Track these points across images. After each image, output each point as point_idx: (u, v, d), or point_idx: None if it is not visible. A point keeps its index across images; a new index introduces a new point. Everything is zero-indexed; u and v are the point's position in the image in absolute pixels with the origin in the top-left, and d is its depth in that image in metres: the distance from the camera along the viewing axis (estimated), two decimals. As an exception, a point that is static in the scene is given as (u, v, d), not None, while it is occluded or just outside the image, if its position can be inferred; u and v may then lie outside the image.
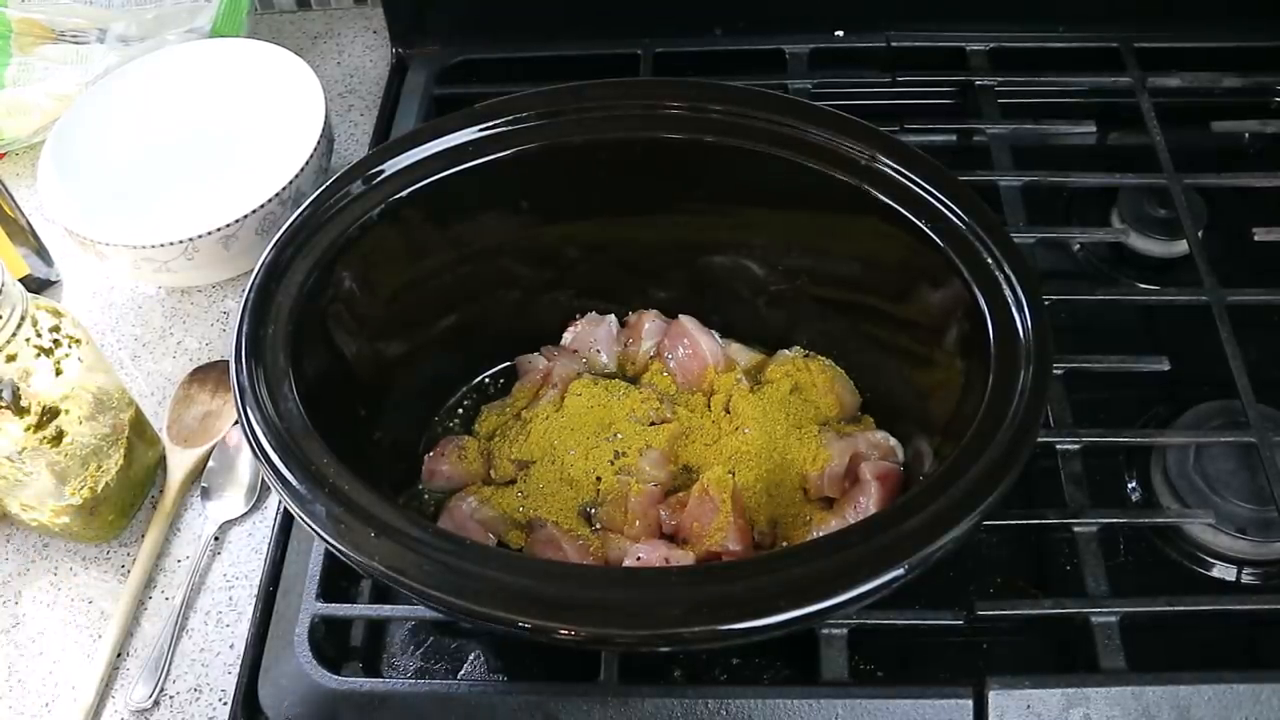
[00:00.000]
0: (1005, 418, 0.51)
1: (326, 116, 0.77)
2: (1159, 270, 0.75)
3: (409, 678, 0.60)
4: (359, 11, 0.99)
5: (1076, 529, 0.59)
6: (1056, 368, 0.63)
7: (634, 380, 0.67)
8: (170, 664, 0.62)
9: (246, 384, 0.52)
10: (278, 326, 0.55)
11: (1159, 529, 0.63)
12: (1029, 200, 0.73)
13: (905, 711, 0.53)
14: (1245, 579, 0.62)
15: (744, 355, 0.68)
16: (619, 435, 0.63)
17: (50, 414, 0.59)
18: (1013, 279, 0.55)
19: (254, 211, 0.72)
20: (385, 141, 0.66)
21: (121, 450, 0.65)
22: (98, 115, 0.81)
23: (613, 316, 0.69)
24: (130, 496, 0.67)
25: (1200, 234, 0.71)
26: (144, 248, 0.71)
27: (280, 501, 0.64)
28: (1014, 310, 0.54)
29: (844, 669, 0.55)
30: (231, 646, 0.62)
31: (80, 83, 0.85)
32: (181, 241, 0.71)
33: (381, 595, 0.60)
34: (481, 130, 0.62)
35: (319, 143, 0.76)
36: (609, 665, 0.55)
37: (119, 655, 0.62)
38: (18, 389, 0.58)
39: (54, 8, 0.89)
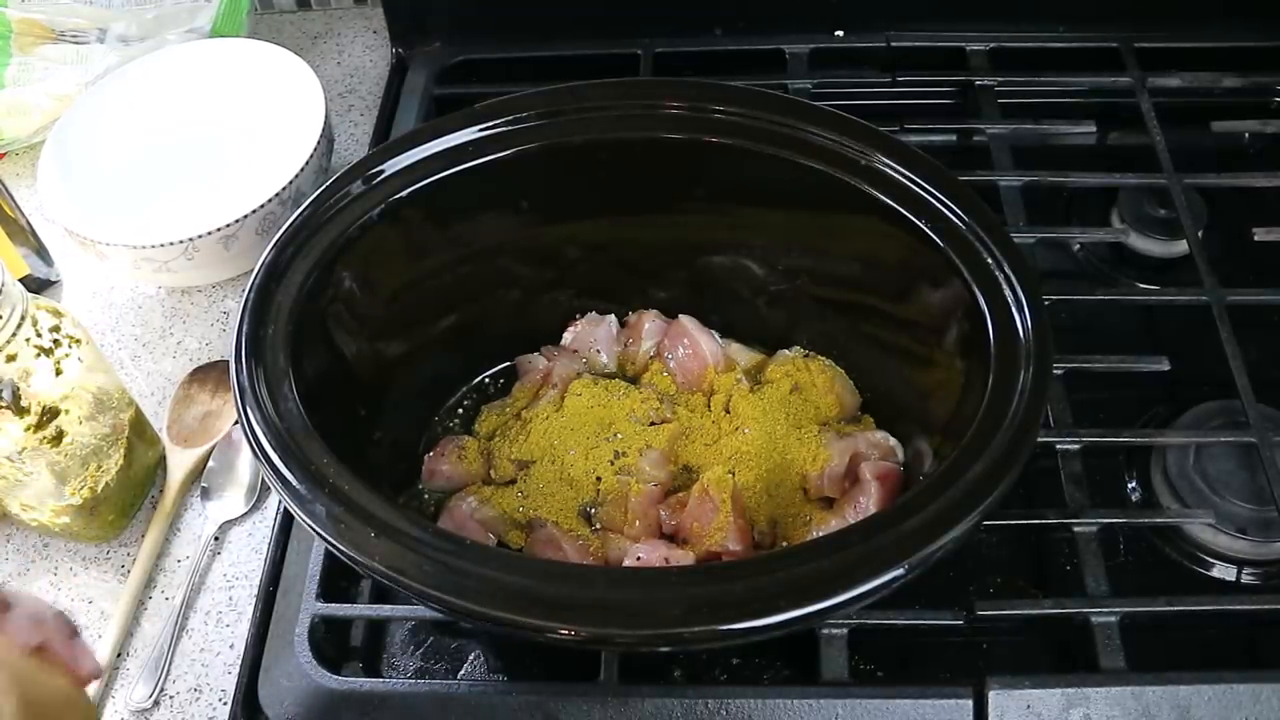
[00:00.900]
0: (1005, 418, 0.51)
1: (326, 116, 0.77)
2: (1159, 270, 0.75)
3: (409, 678, 0.60)
4: (359, 11, 0.99)
5: (1076, 529, 0.59)
6: (1056, 368, 0.63)
7: (634, 380, 0.67)
8: (170, 664, 0.62)
9: (246, 384, 0.52)
10: (278, 326, 0.55)
11: (1159, 529, 0.63)
12: (1029, 200, 0.73)
13: (905, 711, 0.53)
14: (1245, 579, 0.62)
15: (744, 355, 0.68)
16: (619, 435, 0.63)
17: (50, 414, 0.59)
18: (1013, 279, 0.55)
19: (254, 211, 0.72)
20: (385, 141, 0.66)
21: (121, 450, 0.65)
22: (98, 115, 0.81)
23: (613, 316, 0.69)
24: (130, 496, 0.67)
25: (1200, 234, 0.71)
26: (144, 248, 0.71)
27: (280, 501, 0.64)
28: (1014, 310, 0.54)
29: (844, 669, 0.55)
30: (231, 646, 0.62)
31: (80, 83, 0.85)
32: (181, 241, 0.71)
33: (381, 595, 0.60)
34: (481, 130, 0.62)
35: (319, 143, 0.76)
36: (609, 665, 0.55)
37: (119, 655, 0.62)
38: (18, 389, 0.58)
39: (54, 8, 0.89)
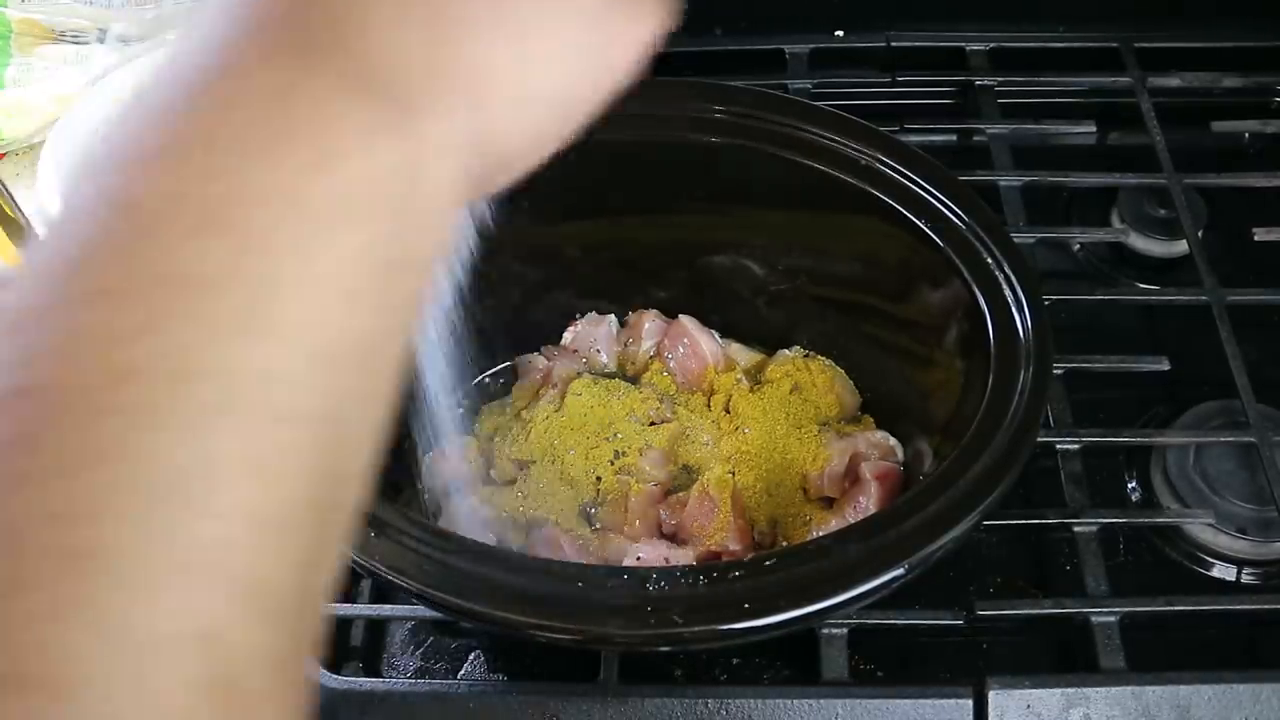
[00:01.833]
0: (1005, 418, 0.51)
1: (326, 116, 0.77)
2: (1159, 270, 0.75)
3: (409, 678, 0.60)
4: (359, 11, 0.99)
5: (1076, 529, 0.59)
6: (1056, 368, 0.62)
7: (634, 380, 0.67)
8: (170, 664, 0.62)
9: (246, 384, 0.52)
10: (278, 326, 0.55)
11: (1159, 529, 0.63)
12: (1029, 200, 0.73)
13: (905, 711, 0.53)
14: (1245, 579, 0.62)
15: (744, 355, 0.68)
16: (619, 435, 0.63)
17: (50, 414, 0.59)
18: (1013, 279, 0.55)
19: (254, 211, 0.72)
20: (385, 141, 0.66)
21: (121, 450, 0.65)
22: (98, 115, 0.81)
23: (613, 316, 0.69)
24: (130, 496, 0.67)
25: (1200, 234, 0.71)
26: (144, 248, 0.71)
27: (280, 501, 0.63)
28: (1014, 310, 0.54)
29: (844, 669, 0.55)
30: (231, 646, 0.62)
31: (80, 83, 0.85)
32: (181, 241, 0.71)
33: (381, 595, 0.60)
34: (481, 130, 0.62)
35: (319, 143, 0.76)
36: (609, 665, 0.55)
37: (119, 655, 0.62)
38: (18, 389, 0.57)
39: (54, 8, 0.89)
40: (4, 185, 0.75)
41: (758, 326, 0.69)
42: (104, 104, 0.81)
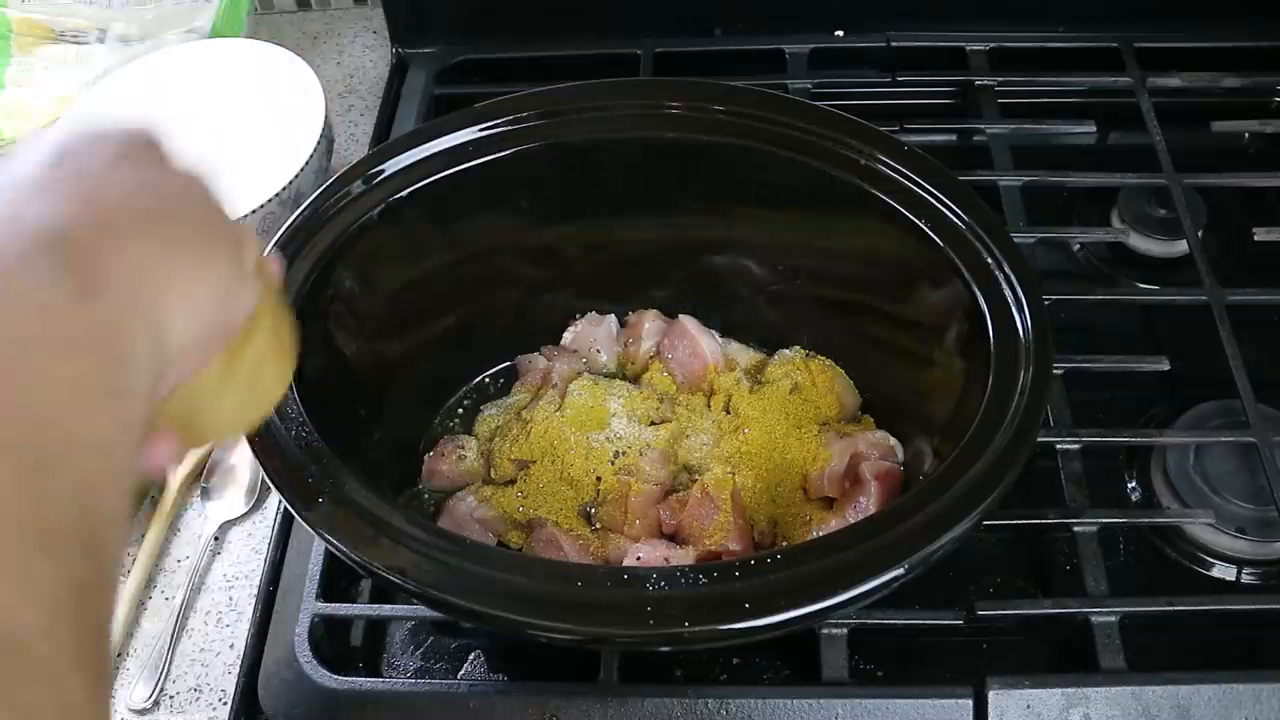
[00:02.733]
0: (1005, 418, 0.51)
1: (326, 116, 0.77)
2: (1159, 270, 0.75)
3: (409, 678, 0.60)
4: (359, 11, 0.99)
5: (1076, 529, 0.59)
6: (1056, 368, 0.62)
7: (634, 380, 0.67)
8: (170, 664, 0.62)
9: (246, 384, 0.52)
10: (278, 326, 0.55)
11: (1159, 529, 0.63)
12: (1029, 200, 0.73)
13: (905, 711, 0.53)
14: (1245, 579, 0.62)
15: (744, 355, 0.68)
16: (619, 435, 0.63)
17: (50, 414, 0.59)
18: (1013, 279, 0.55)
19: (254, 211, 0.72)
20: (385, 141, 0.66)
21: (121, 450, 0.65)
22: (98, 115, 0.81)
23: (613, 316, 0.69)
24: (130, 496, 0.67)
25: (1200, 234, 0.71)
26: (144, 248, 0.71)
27: (280, 501, 0.64)
28: (1014, 310, 0.54)
29: (844, 669, 0.55)
30: (231, 646, 0.62)
31: (80, 83, 0.85)
32: (181, 241, 0.71)
33: (381, 595, 0.60)
34: (481, 130, 0.62)
35: (319, 143, 0.76)
36: (609, 665, 0.55)
37: (119, 655, 0.62)
38: (18, 389, 0.57)
39: (54, 8, 0.89)
40: (4, 185, 0.75)
41: (758, 326, 0.69)
42: (104, 104, 0.81)
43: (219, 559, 0.66)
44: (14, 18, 0.88)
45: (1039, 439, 0.51)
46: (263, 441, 0.51)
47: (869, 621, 0.56)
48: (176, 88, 0.84)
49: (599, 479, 0.62)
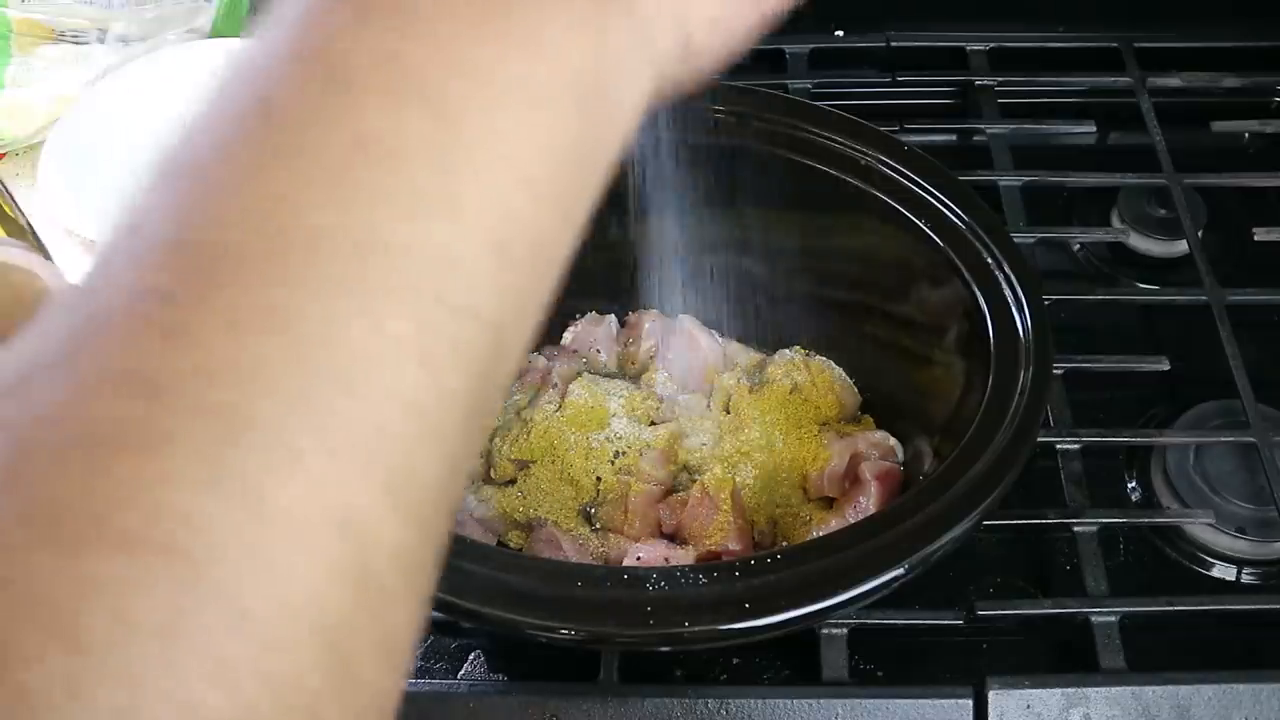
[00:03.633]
0: (1005, 418, 0.51)
1: (326, 116, 0.77)
2: (1159, 270, 0.75)
3: (409, 678, 0.59)
4: (359, 11, 0.99)
5: (1076, 529, 0.59)
6: (1056, 368, 0.62)
7: (634, 380, 0.67)
8: (170, 664, 0.61)
9: (246, 384, 0.52)
10: (278, 326, 0.55)
11: (1159, 529, 0.63)
12: (1029, 200, 0.73)
13: (905, 711, 0.53)
14: (1245, 579, 0.62)
15: (744, 355, 0.68)
16: (619, 435, 0.63)
17: (50, 414, 0.59)
18: (1013, 279, 0.55)
19: (254, 211, 0.72)
20: (385, 141, 0.66)
21: (121, 450, 0.65)
22: (98, 115, 0.81)
23: (613, 316, 0.69)
24: (130, 496, 0.67)
25: (1200, 234, 0.71)
26: (144, 248, 0.71)
27: (280, 501, 0.63)
28: (1014, 310, 0.54)
29: (844, 669, 0.55)
30: (231, 646, 0.62)
31: (80, 83, 0.85)
32: (181, 241, 0.71)
33: (381, 595, 0.60)
34: (481, 130, 0.62)
35: (319, 143, 0.76)
36: (609, 665, 0.55)
37: (119, 655, 0.62)
38: (18, 389, 0.57)
39: (54, 8, 0.89)
40: (4, 185, 0.75)
41: (758, 326, 0.69)
42: (104, 104, 0.81)
43: (219, 559, 0.66)
44: (14, 18, 0.88)
45: (1039, 439, 0.51)
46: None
47: (869, 621, 0.56)
48: (176, 88, 0.84)
49: (599, 479, 0.62)
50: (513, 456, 0.63)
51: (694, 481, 0.61)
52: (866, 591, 0.46)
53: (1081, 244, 0.77)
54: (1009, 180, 0.74)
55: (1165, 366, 0.64)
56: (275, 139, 0.23)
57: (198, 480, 0.19)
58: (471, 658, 0.60)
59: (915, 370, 0.62)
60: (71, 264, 0.81)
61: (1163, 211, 0.74)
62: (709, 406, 0.65)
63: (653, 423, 0.64)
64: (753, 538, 0.60)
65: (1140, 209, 0.75)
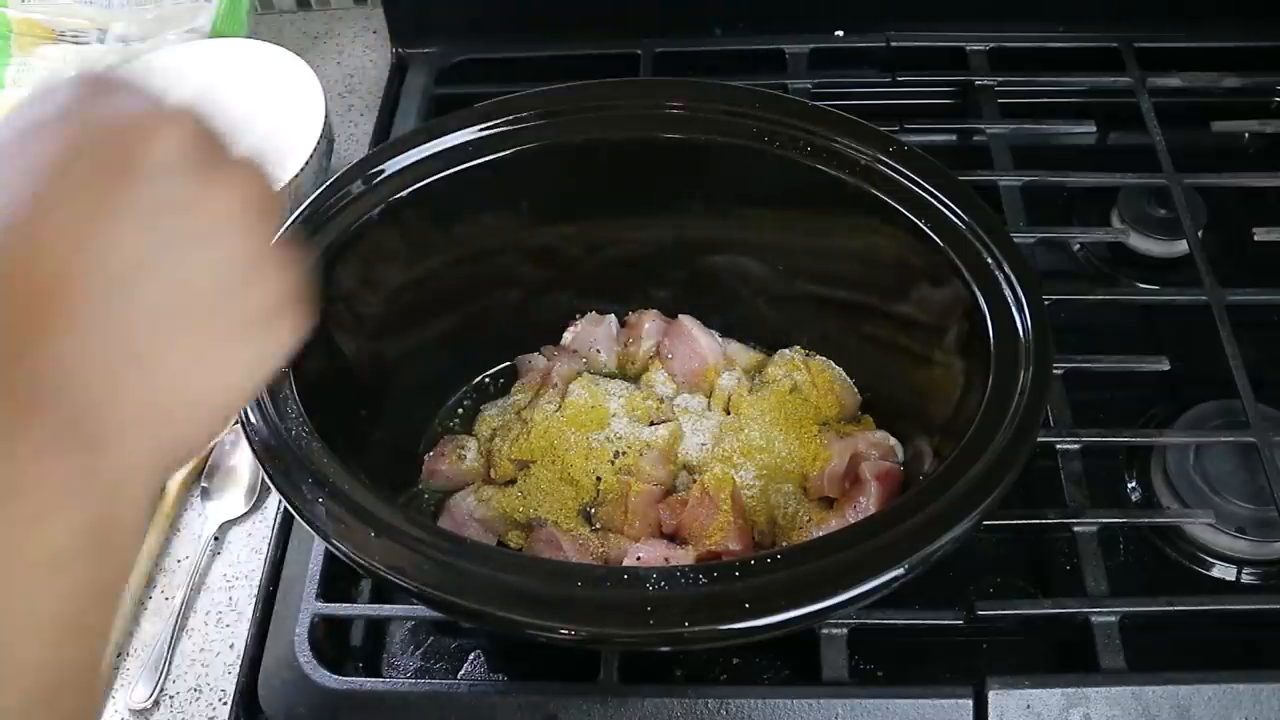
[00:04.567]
0: (1005, 418, 0.51)
1: (326, 116, 0.77)
2: (1159, 270, 0.75)
3: (409, 678, 0.60)
4: (359, 11, 0.99)
5: (1076, 529, 0.59)
6: (1056, 368, 0.63)
7: (634, 380, 0.67)
8: (170, 664, 0.62)
9: (246, 384, 0.52)
10: (278, 326, 0.55)
11: (1159, 529, 0.63)
12: (1029, 200, 0.73)
13: (905, 711, 0.53)
14: (1245, 579, 0.62)
15: (744, 355, 0.68)
16: (619, 435, 0.63)
17: (50, 414, 0.59)
18: (1013, 279, 0.55)
19: (254, 211, 0.72)
20: (385, 141, 0.66)
21: (121, 450, 0.65)
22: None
23: (613, 316, 0.69)
24: (130, 496, 0.67)
25: (1200, 234, 0.71)
26: (144, 248, 0.71)
27: (280, 501, 0.64)
28: (1014, 310, 0.54)
29: (844, 669, 0.55)
30: (231, 646, 0.62)
31: (80, 83, 0.85)
32: (181, 241, 0.71)
33: (381, 595, 0.60)
34: (481, 130, 0.62)
35: (319, 143, 0.76)
36: (609, 665, 0.55)
37: (119, 655, 0.62)
38: (18, 389, 0.57)
39: (54, 8, 0.89)
40: (4, 185, 0.75)
41: (758, 326, 0.69)
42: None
43: (219, 559, 0.66)
44: (14, 18, 0.88)
45: (1039, 439, 0.51)
46: (262, 441, 0.51)
47: (869, 621, 0.56)
48: (176, 88, 0.83)
49: (599, 479, 0.62)
50: (513, 456, 0.63)
51: (694, 481, 0.61)
52: (866, 591, 0.46)
53: (1081, 244, 0.77)
54: (1009, 180, 0.74)
55: (1165, 366, 0.64)
56: None
57: None
58: (471, 658, 0.60)
59: (915, 370, 0.62)
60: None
61: (1163, 211, 0.74)
62: (709, 406, 0.65)
63: (653, 423, 0.64)
64: (753, 538, 0.60)
65: (1140, 209, 0.75)
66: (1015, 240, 0.57)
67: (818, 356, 0.67)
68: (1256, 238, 0.72)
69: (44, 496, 0.26)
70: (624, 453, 0.62)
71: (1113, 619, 0.56)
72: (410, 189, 0.61)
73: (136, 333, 0.29)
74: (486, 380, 0.70)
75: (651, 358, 0.68)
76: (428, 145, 0.62)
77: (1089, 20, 0.83)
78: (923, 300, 0.60)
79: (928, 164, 0.59)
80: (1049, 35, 0.84)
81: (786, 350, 0.67)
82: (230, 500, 0.68)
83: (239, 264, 0.32)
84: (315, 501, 0.49)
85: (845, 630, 0.56)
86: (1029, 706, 0.53)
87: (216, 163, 0.33)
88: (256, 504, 0.68)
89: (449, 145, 0.62)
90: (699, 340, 0.66)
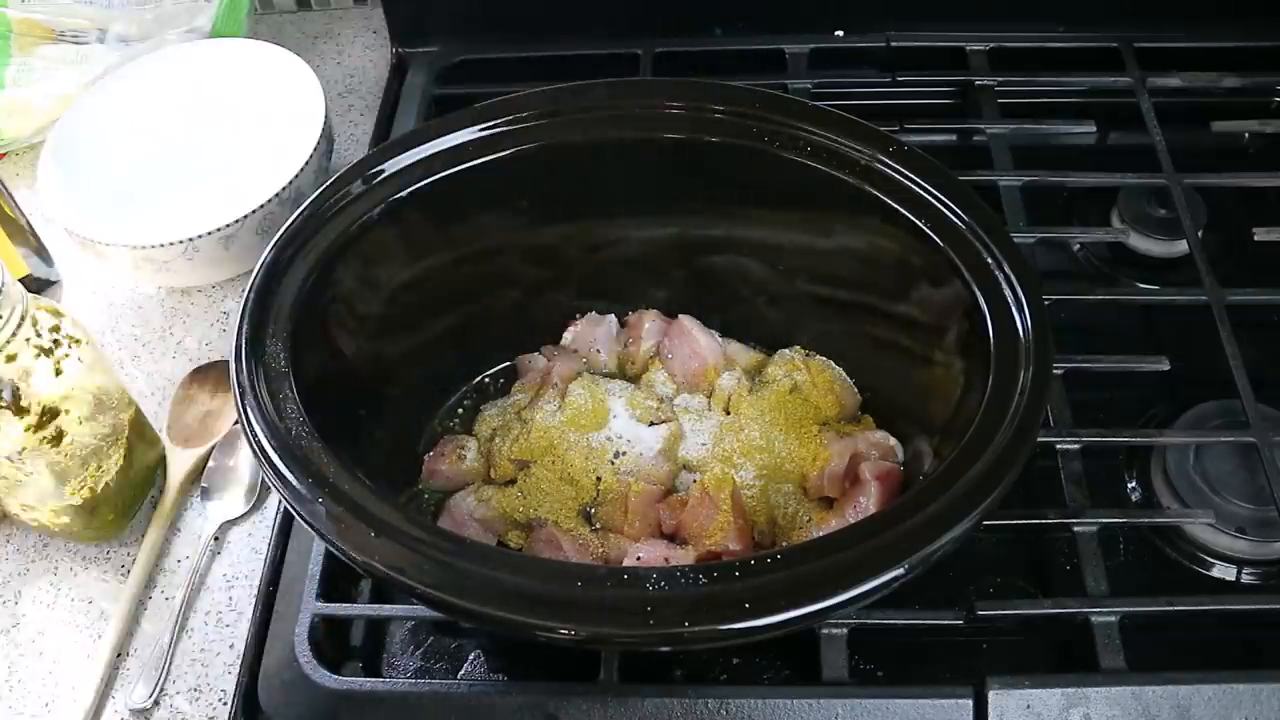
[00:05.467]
0: (1005, 418, 0.51)
1: (326, 116, 0.77)
2: (1159, 270, 0.75)
3: (409, 678, 0.60)
4: (359, 11, 0.99)
5: (1076, 529, 0.59)
6: (1056, 368, 0.63)
7: (634, 380, 0.67)
8: (170, 664, 0.62)
9: (246, 384, 0.52)
10: (278, 326, 0.55)
11: (1159, 529, 0.63)
12: (1029, 200, 0.73)
13: (905, 711, 0.53)
14: (1245, 579, 0.62)
15: (744, 355, 0.68)
16: (619, 435, 0.63)
17: (50, 414, 0.59)
18: (1013, 279, 0.55)
19: (254, 211, 0.72)
20: (385, 141, 0.66)
21: (121, 450, 0.65)
22: (98, 115, 0.81)
23: (613, 316, 0.69)
24: (130, 496, 0.67)
25: (1200, 234, 0.71)
26: (144, 248, 0.71)
27: (280, 501, 0.64)
28: (1014, 310, 0.54)
29: (844, 669, 0.55)
30: (231, 646, 0.62)
31: (80, 83, 0.85)
32: (181, 241, 0.71)
33: (381, 595, 0.60)
34: (481, 130, 0.62)
35: (319, 143, 0.76)
36: (609, 665, 0.55)
37: (119, 655, 0.62)
38: (18, 389, 0.57)
39: (54, 8, 0.89)
40: (4, 185, 0.75)
41: (758, 326, 0.69)
42: (104, 104, 0.81)
43: (219, 559, 0.66)
44: (14, 18, 0.88)
45: (1039, 439, 0.51)
46: (262, 442, 0.51)
47: (869, 621, 0.56)
48: (176, 88, 0.84)
49: (599, 479, 0.62)
50: (513, 456, 0.63)
51: (694, 481, 0.61)
52: (866, 591, 0.46)
53: (1081, 244, 0.77)
54: (1009, 180, 0.74)
55: (1165, 366, 0.64)
56: None
57: None
58: (471, 658, 0.60)
59: (915, 370, 0.62)
60: (71, 263, 0.81)
61: (1163, 211, 0.74)
62: (709, 406, 0.65)
63: (653, 423, 0.64)
64: (753, 538, 0.60)
65: (1140, 209, 0.75)
66: (1015, 240, 0.57)
67: (818, 356, 0.67)
68: (1256, 238, 0.72)
69: None
70: (624, 453, 0.62)
71: (1113, 619, 0.56)
72: (410, 189, 0.61)
73: None
74: (486, 380, 0.70)
75: (651, 358, 0.68)
76: (428, 145, 0.62)
77: (1089, 20, 0.83)
78: (923, 300, 0.60)
79: (928, 164, 0.59)
80: (1049, 35, 0.84)
81: (786, 350, 0.67)
82: (230, 500, 0.68)
83: None
84: (315, 501, 0.49)
85: (845, 630, 0.56)
86: (1029, 706, 0.53)
87: None
88: (256, 504, 0.68)
89: (449, 145, 0.62)
90: (699, 340, 0.66)
